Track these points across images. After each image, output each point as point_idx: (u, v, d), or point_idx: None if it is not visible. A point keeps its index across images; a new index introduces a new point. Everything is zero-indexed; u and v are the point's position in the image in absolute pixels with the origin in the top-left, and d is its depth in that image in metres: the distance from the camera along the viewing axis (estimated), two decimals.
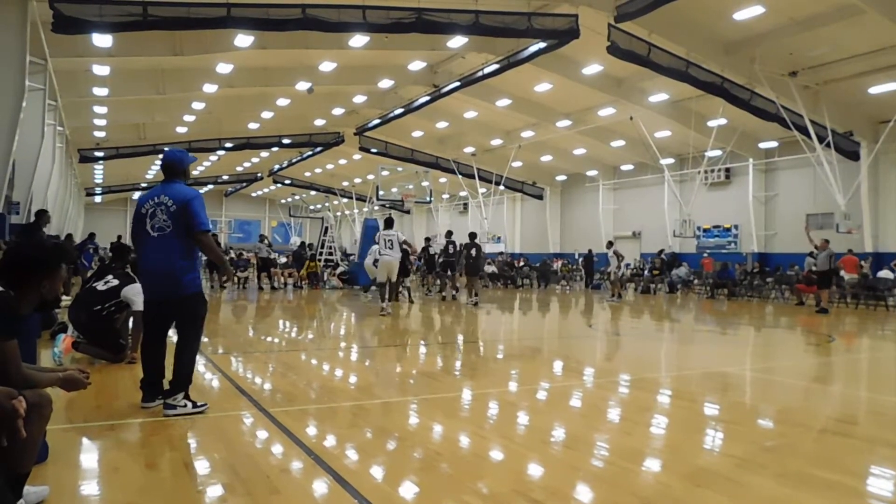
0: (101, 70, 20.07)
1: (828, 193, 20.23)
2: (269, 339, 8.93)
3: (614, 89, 22.24)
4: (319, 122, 30.90)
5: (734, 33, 17.40)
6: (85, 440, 3.76)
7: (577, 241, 33.55)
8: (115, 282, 6.22)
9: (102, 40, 16.60)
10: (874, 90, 19.06)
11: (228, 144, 32.37)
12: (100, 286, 6.23)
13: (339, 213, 52.31)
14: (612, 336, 10.03)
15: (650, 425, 4.47)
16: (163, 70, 21.32)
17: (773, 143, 24.38)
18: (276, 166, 42.84)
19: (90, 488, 2.99)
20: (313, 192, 49.02)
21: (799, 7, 15.64)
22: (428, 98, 23.95)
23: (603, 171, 32.82)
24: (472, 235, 16.12)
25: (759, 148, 25.25)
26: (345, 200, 50.18)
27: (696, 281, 22.94)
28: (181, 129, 30.26)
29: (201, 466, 3.29)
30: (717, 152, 24.54)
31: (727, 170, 26.34)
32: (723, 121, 22.06)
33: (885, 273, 17.27)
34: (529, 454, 3.67)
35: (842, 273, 17.98)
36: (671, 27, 16.77)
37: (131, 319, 6.22)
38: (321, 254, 24.04)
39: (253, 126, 30.59)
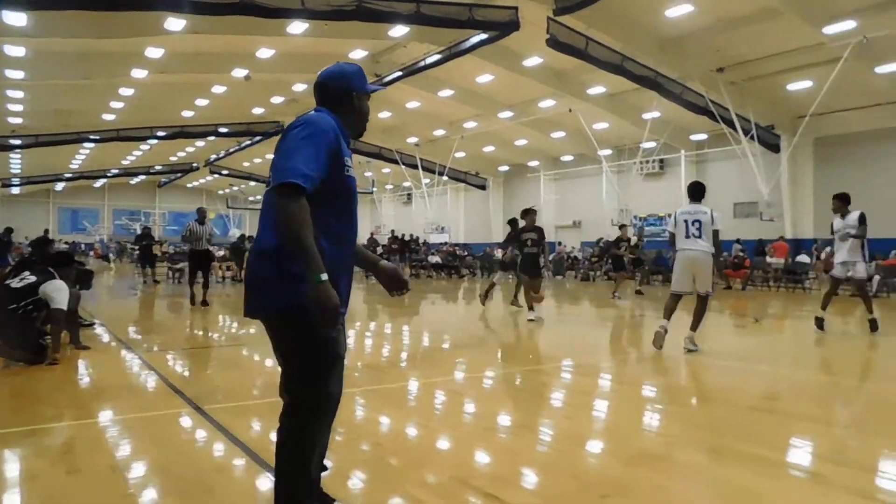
0: (14, 51, 18.79)
1: (753, 183, 21.29)
2: (208, 335, 8.64)
3: (555, 82, 22.61)
4: (258, 111, 30.06)
5: (667, 30, 17.99)
6: (1, 448, 3.53)
7: None
8: (32, 278, 5.84)
9: (15, 18, 15.50)
10: (791, 87, 20.22)
11: (161, 133, 31.04)
12: (14, 283, 5.83)
13: None
14: (549, 322, 10.21)
15: (590, 409, 4.58)
16: (88, 53, 20.18)
17: (704, 136, 25.39)
18: (213, 156, 41.43)
19: (3, 500, 2.81)
20: (253, 183, 47.70)
21: (725, 7, 16.35)
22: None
23: (544, 162, 33.36)
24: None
25: (691, 140, 26.26)
26: None
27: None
28: (109, 117, 28.83)
29: (129, 469, 3.15)
30: (652, 144, 25.36)
31: (661, 161, 27.27)
32: (656, 114, 22.82)
33: (802, 258, 18.38)
34: (473, 442, 3.70)
35: (768, 258, 19.05)
36: (608, 22, 17.18)
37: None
38: None
39: (187, 114, 29.44)
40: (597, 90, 22.67)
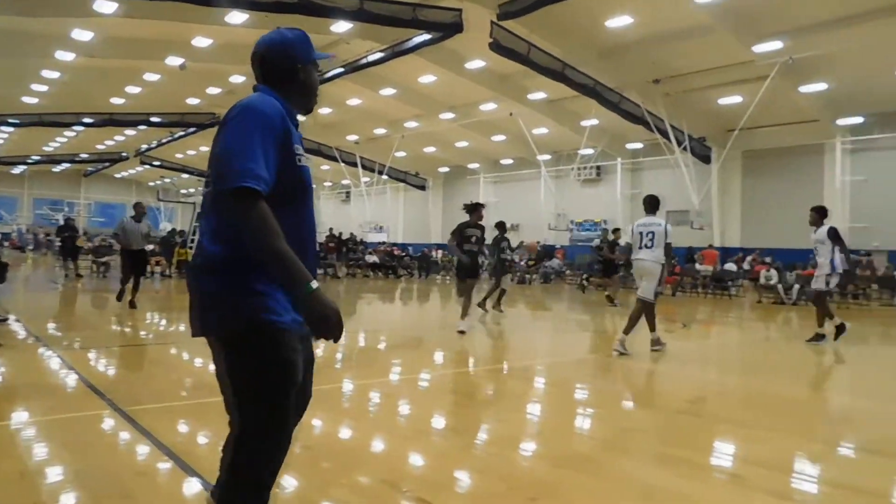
0: None
1: (685, 193, 22.23)
2: (134, 332, 8.25)
3: (497, 85, 22.86)
4: (193, 101, 28.97)
5: (607, 40, 18.52)
6: None
7: None
8: None
9: None
10: (722, 101, 21.24)
11: (88, 119, 29.47)
12: None
13: None
14: (487, 325, 10.33)
15: (522, 411, 4.65)
16: (6, 31, 18.89)
17: (640, 145, 26.30)
18: (144, 146, 39.67)
19: None
20: (185, 176, 46.00)
21: (663, 21, 16.99)
22: None
23: (484, 165, 33.70)
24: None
25: (627, 148, 27.13)
26: None
27: (567, 272, 24.26)
28: (30, 100, 27.13)
29: (41, 474, 2.96)
30: (590, 151, 26.06)
31: (598, 167, 28.07)
32: (595, 121, 23.48)
33: (729, 266, 19.30)
34: (405, 445, 3.68)
35: (697, 265, 19.89)
36: (551, 29, 17.53)
37: None
38: (192, 241, 22.61)
39: (117, 101, 28.05)
40: (537, 96, 23.09)
